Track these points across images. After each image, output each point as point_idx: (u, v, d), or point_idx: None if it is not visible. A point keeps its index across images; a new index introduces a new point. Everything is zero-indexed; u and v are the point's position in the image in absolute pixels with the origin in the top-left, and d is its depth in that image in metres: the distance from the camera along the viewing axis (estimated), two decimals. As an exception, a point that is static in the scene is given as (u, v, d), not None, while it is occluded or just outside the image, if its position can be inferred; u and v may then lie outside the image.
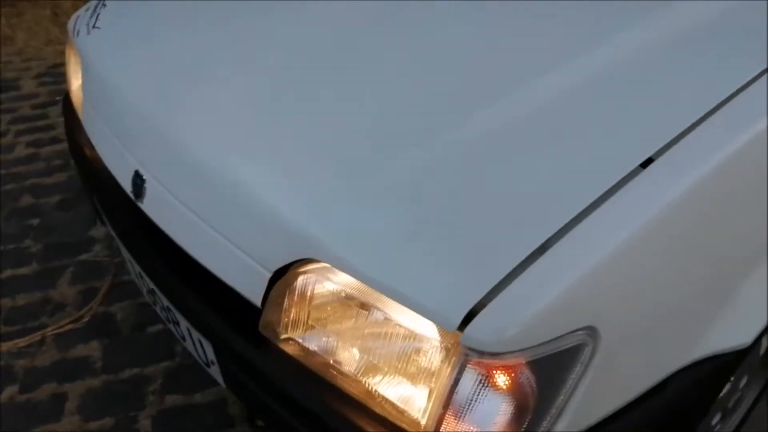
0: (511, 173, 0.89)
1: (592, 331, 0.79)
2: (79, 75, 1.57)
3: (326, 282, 0.92)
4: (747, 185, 0.93)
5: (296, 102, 1.11)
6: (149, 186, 1.19)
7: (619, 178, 0.84)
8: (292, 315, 0.97)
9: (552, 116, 0.94)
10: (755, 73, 0.96)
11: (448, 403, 0.82)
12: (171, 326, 1.28)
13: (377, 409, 0.90)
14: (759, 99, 0.93)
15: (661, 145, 0.88)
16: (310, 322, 0.96)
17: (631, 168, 0.86)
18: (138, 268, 1.29)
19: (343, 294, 0.90)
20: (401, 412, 0.88)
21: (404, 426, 0.88)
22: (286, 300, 0.97)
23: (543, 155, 0.90)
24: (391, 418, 0.89)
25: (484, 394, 0.80)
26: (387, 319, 0.87)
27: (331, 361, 0.95)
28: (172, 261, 1.19)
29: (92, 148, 1.46)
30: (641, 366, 0.88)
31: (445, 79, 1.07)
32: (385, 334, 0.88)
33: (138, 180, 1.21)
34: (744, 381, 1.25)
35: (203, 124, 1.14)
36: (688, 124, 0.89)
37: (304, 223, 0.93)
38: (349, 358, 0.93)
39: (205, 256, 1.09)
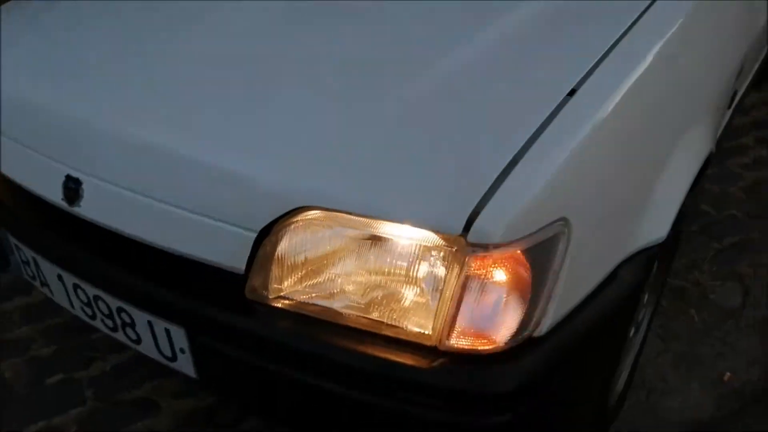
0: (473, 104, 1.03)
1: (565, 222, 0.93)
2: None
3: (320, 226, 0.96)
4: (653, 100, 1.14)
5: (235, 74, 1.16)
6: (87, 186, 1.14)
7: (557, 103, 1.01)
8: (284, 270, 1.00)
9: (494, 64, 1.10)
10: (644, 7, 1.19)
11: (458, 305, 0.91)
12: (120, 333, 1.21)
13: (387, 333, 0.95)
14: (653, 25, 1.15)
15: (580, 77, 1.06)
16: (304, 271, 0.99)
17: (561, 97, 1.03)
18: (74, 280, 1.21)
19: (340, 232, 0.95)
20: (411, 330, 0.95)
21: (416, 341, 0.94)
22: (276, 256, 0.99)
23: (495, 91, 1.05)
24: (402, 337, 0.94)
25: (489, 289, 0.90)
26: (388, 244, 0.93)
27: (333, 303, 0.98)
28: (118, 259, 1.15)
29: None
30: (599, 256, 1.04)
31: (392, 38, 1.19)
32: (387, 260, 0.94)
33: (71, 184, 1.16)
34: (646, 297, 1.47)
35: (141, 109, 1.14)
36: (597, 58, 1.09)
37: (292, 174, 0.97)
38: (351, 294, 0.97)
39: (170, 238, 1.07)
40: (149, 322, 1.13)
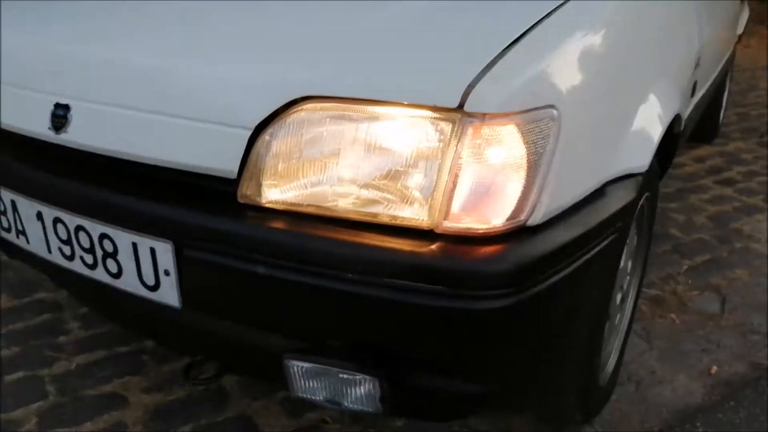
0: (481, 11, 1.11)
1: (555, 109, 0.96)
2: None
3: (317, 116, 0.97)
4: (634, 35, 1.24)
5: None
6: (75, 110, 1.15)
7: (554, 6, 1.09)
8: (279, 168, 0.99)
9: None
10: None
11: (455, 181, 0.91)
12: (99, 269, 1.15)
13: (385, 221, 0.94)
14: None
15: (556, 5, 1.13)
16: (300, 167, 0.99)
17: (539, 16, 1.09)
18: (54, 213, 1.17)
19: (338, 119, 0.96)
20: (408, 215, 0.94)
21: (414, 226, 0.93)
22: (270, 154, 0.99)
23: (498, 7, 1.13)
24: (400, 223, 0.94)
25: (485, 165, 0.91)
26: (386, 126, 0.94)
27: (330, 196, 0.97)
28: (102, 183, 1.13)
29: None
30: (586, 161, 1.06)
31: None
32: (385, 142, 0.95)
33: (59, 111, 1.16)
34: (635, 240, 1.48)
35: (125, 32, 1.20)
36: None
37: (284, 66, 1.00)
38: (348, 182, 0.97)
39: (158, 149, 1.07)
40: (134, 245, 1.09)
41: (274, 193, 1.01)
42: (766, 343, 1.89)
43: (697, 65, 1.70)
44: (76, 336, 1.84)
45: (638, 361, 1.79)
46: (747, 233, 2.58)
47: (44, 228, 1.21)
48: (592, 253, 1.05)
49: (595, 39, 1.13)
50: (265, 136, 0.99)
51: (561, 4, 1.12)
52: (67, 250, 1.20)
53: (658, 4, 1.40)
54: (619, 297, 1.47)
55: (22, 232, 1.27)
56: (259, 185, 1.01)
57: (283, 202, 1.00)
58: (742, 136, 3.81)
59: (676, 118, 1.47)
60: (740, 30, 3.33)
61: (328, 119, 0.97)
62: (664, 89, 1.34)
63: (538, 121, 0.94)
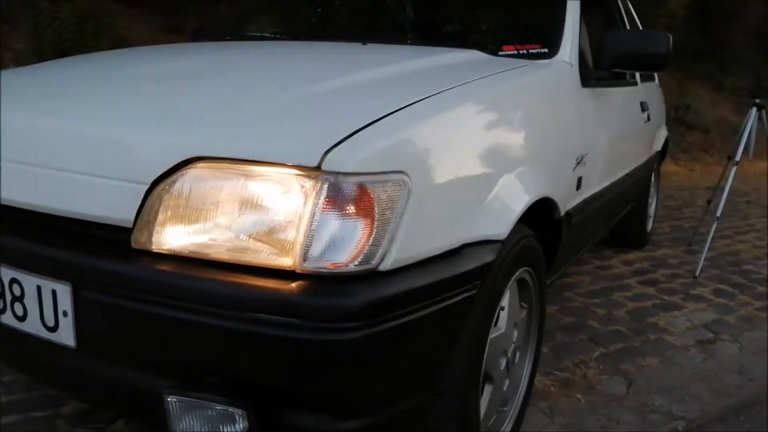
0: (343, 88, 1.37)
1: (406, 176, 1.14)
2: None
3: (201, 176, 1.13)
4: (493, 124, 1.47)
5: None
6: (5, 171, 1.30)
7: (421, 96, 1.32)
8: (167, 217, 1.14)
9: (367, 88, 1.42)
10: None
11: (312, 228, 1.06)
12: (8, 314, 1.26)
13: (254, 262, 1.08)
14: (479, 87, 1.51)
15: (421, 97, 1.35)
16: (185, 216, 1.14)
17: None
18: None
19: (219, 177, 1.12)
20: (274, 258, 1.08)
21: (279, 266, 1.08)
22: (161, 205, 1.14)
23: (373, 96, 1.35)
24: (268, 264, 1.08)
25: (339, 215, 1.07)
26: (258, 183, 1.11)
27: (209, 242, 1.12)
28: (18, 233, 1.27)
29: None
30: (440, 221, 1.23)
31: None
32: (257, 196, 1.11)
33: None
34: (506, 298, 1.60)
35: (56, 106, 1.39)
36: (440, 90, 1.39)
37: (175, 131, 1.19)
38: (224, 229, 1.11)
39: (63, 201, 1.22)
40: (38, 287, 1.21)
41: (163, 240, 1.15)
42: (665, 421, 1.99)
43: (580, 162, 1.93)
44: (-6, 402, 1.88)
45: (539, 436, 1.87)
46: (663, 327, 2.73)
47: (-38, 276, 1.33)
48: (445, 303, 1.19)
49: (459, 122, 1.33)
50: (158, 190, 1.15)
51: (434, 93, 1.33)
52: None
53: (523, 108, 1.64)
54: (503, 362, 1.59)
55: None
56: (150, 232, 1.15)
57: (170, 248, 1.15)
58: (671, 244, 4.05)
59: (550, 203, 1.66)
60: (657, 147, 3.65)
61: (211, 177, 1.13)
62: (529, 172, 1.53)
63: (387, 183, 1.11)
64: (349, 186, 1.07)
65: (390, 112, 1.22)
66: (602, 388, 2.17)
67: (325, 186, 1.07)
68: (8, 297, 1.26)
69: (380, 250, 1.10)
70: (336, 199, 1.07)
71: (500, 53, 1.95)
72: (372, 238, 1.09)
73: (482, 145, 1.40)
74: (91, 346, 1.20)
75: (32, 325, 1.24)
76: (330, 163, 1.06)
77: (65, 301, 1.19)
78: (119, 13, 5.80)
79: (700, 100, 8.95)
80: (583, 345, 2.48)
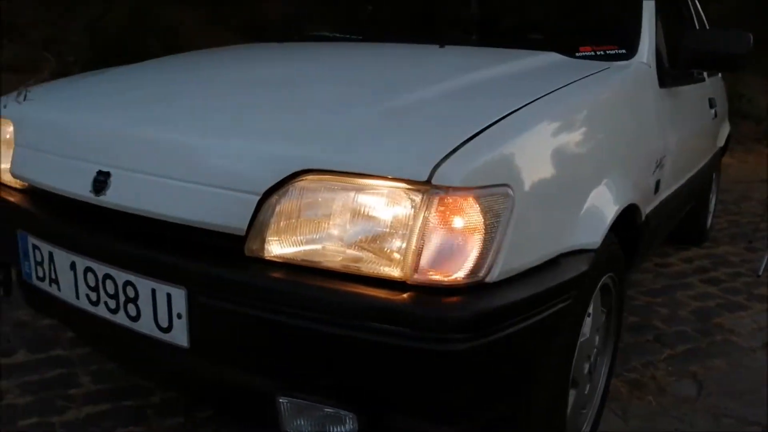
0: (447, 98, 1.38)
1: (510, 189, 1.16)
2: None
3: (312, 185, 1.18)
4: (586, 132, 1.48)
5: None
6: (115, 177, 1.37)
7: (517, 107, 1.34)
8: (280, 226, 1.19)
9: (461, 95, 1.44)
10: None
11: (423, 242, 1.10)
12: (120, 314, 1.33)
13: (366, 272, 1.13)
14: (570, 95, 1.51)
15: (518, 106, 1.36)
16: (297, 226, 1.18)
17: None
18: (86, 263, 1.36)
19: (330, 189, 1.17)
20: (385, 269, 1.12)
21: (389, 277, 1.12)
22: (274, 215, 1.19)
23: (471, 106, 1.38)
24: (378, 275, 1.12)
25: (449, 229, 1.10)
26: (369, 196, 1.14)
27: (321, 251, 1.16)
28: (131, 238, 1.33)
29: (16, 195, 1.61)
30: (540, 232, 1.25)
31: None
32: (368, 209, 1.14)
33: (101, 177, 1.38)
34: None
35: (164, 115, 1.46)
36: (534, 99, 1.41)
37: (288, 143, 1.23)
38: (337, 240, 1.16)
39: (180, 210, 1.27)
40: (153, 291, 1.27)
41: (275, 248, 1.20)
42: (739, 426, 1.98)
43: (658, 165, 1.92)
44: (86, 389, 1.98)
45: (613, 438, 1.89)
46: (728, 327, 2.70)
47: (75, 276, 1.40)
48: (545, 314, 1.21)
49: (553, 133, 1.35)
50: (271, 201, 1.20)
51: (521, 107, 1.35)
52: (93, 296, 1.38)
53: (611, 114, 1.64)
54: (586, 367, 1.61)
55: (54, 281, 1.46)
56: (262, 241, 1.20)
57: (282, 256, 1.19)
58: (731, 241, 3.97)
59: (633, 209, 1.67)
60: (720, 143, 3.58)
61: (322, 189, 1.18)
62: (617, 181, 1.54)
63: (493, 196, 1.13)
64: (458, 200, 1.10)
65: (490, 123, 1.24)
66: (672, 390, 2.17)
67: (435, 200, 1.10)
68: (122, 298, 1.33)
69: (487, 262, 1.12)
70: (445, 213, 1.10)
71: (577, 54, 1.94)
72: (480, 250, 1.11)
73: (576, 153, 1.42)
74: (204, 347, 1.26)
75: (145, 326, 1.31)
76: (439, 178, 1.09)
77: (180, 304, 1.25)
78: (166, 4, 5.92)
79: (753, 88, 8.69)
80: (650, 346, 2.48)
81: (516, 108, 1.34)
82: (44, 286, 1.50)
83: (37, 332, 2.27)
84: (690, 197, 2.90)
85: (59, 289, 1.46)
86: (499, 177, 1.16)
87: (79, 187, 1.41)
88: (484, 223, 1.12)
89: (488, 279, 1.13)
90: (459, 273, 1.10)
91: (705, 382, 2.23)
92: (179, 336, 1.27)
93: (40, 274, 1.50)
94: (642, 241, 1.86)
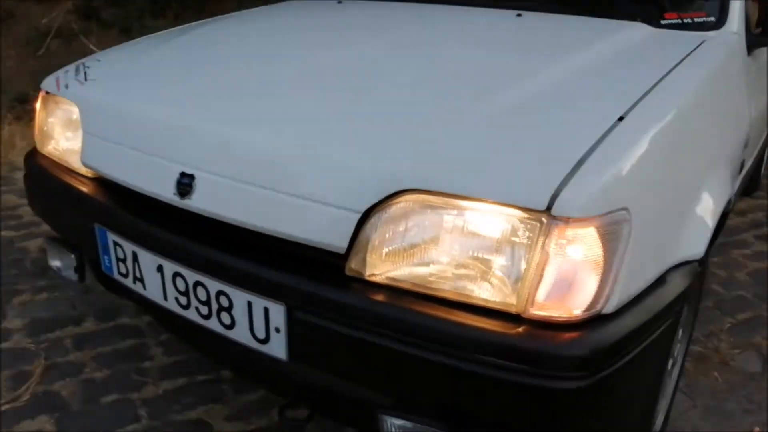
0: (552, 111, 1.26)
1: (627, 212, 1.10)
2: (62, 126, 1.68)
3: (418, 206, 1.12)
4: (691, 134, 1.38)
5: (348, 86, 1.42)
6: (200, 181, 1.31)
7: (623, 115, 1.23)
8: (383, 247, 1.14)
9: (562, 96, 1.34)
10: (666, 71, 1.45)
11: (541, 275, 1.05)
12: (212, 320, 1.32)
13: (476, 302, 1.09)
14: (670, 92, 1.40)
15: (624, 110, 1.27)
16: (401, 248, 1.14)
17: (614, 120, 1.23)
18: (175, 268, 1.34)
19: (436, 211, 1.11)
20: (497, 299, 1.08)
21: (502, 309, 1.08)
22: (376, 235, 1.14)
23: (570, 106, 1.29)
24: (490, 306, 1.08)
25: (568, 261, 1.05)
26: (479, 221, 1.09)
27: (427, 276, 1.12)
28: (222, 246, 1.30)
29: (90, 186, 1.56)
30: (652, 253, 1.19)
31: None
32: (478, 235, 1.09)
33: (184, 179, 1.33)
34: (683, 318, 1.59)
35: (255, 114, 1.36)
36: (632, 102, 1.30)
37: (392, 160, 1.15)
38: (443, 267, 1.12)
39: (278, 223, 1.22)
40: (249, 303, 1.25)
41: (378, 269, 1.16)
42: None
43: (745, 145, 1.82)
44: (159, 362, 2.02)
45: (683, 419, 1.89)
46: (788, 293, 2.66)
47: (163, 279, 1.38)
48: (654, 336, 1.18)
49: (661, 142, 1.26)
50: (373, 219, 1.14)
51: (631, 107, 1.26)
52: (183, 300, 1.37)
53: (716, 100, 1.53)
54: (670, 364, 1.59)
55: (139, 280, 1.45)
56: (364, 261, 1.16)
57: (386, 278, 1.16)
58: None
59: (727, 201, 1.59)
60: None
61: (429, 210, 1.12)
62: (719, 178, 1.46)
63: (613, 224, 1.07)
64: (578, 231, 1.04)
65: (603, 133, 1.16)
66: (736, 365, 2.17)
67: (555, 231, 1.04)
68: (214, 306, 1.31)
69: (605, 294, 1.08)
70: (565, 244, 1.05)
71: (663, 22, 1.81)
72: (598, 283, 1.07)
73: (689, 154, 1.34)
74: (303, 360, 1.25)
75: (240, 335, 1.30)
76: (559, 208, 1.03)
77: (278, 319, 1.23)
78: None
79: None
80: (710, 313, 2.45)
81: (626, 109, 1.25)
82: (128, 282, 1.49)
83: (101, 298, 2.30)
84: (758, 159, 2.78)
85: (144, 288, 1.44)
86: (618, 200, 1.09)
87: (162, 188, 1.37)
88: (604, 254, 1.06)
89: (605, 311, 1.09)
90: (577, 308, 1.06)
91: (769, 356, 2.22)
92: (277, 348, 1.25)
93: (123, 271, 1.49)
94: (723, 225, 1.79)
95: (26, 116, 4.39)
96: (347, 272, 1.18)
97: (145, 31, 5.49)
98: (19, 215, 3.03)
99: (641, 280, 1.17)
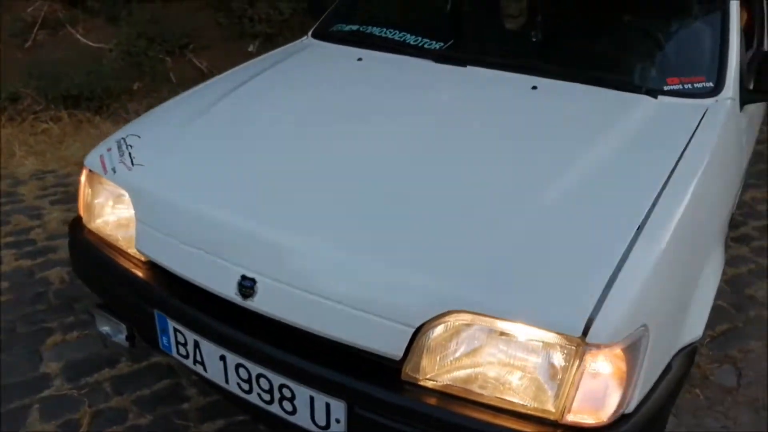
0: (572, 231, 1.39)
1: (646, 327, 1.28)
2: (110, 207, 1.78)
3: (465, 325, 1.29)
4: (694, 225, 1.54)
5: (388, 193, 1.53)
6: (262, 285, 1.45)
7: (632, 235, 1.38)
8: (434, 357, 1.32)
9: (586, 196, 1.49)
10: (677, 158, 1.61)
11: (576, 389, 1.24)
12: (275, 405, 1.48)
13: (517, 410, 1.27)
14: (685, 177, 1.56)
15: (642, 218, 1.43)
16: (450, 359, 1.31)
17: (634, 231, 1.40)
18: (238, 360, 1.49)
19: (482, 330, 1.28)
20: (537, 407, 1.27)
21: (541, 416, 1.26)
22: (428, 347, 1.31)
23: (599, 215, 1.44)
24: (531, 413, 1.26)
25: (598, 377, 1.24)
26: (521, 342, 1.27)
27: (473, 385, 1.30)
28: (283, 344, 1.45)
29: (145, 270, 1.67)
30: (662, 351, 1.39)
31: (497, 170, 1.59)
32: (519, 354, 1.27)
33: (246, 282, 1.46)
34: None
35: (309, 220, 1.47)
36: (651, 203, 1.47)
37: (442, 284, 1.31)
38: (488, 378, 1.30)
39: (339, 330, 1.38)
40: (311, 398, 1.41)
41: (430, 376, 1.33)
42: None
43: (736, 198, 2.01)
44: (197, 403, 2.17)
45: (671, 439, 2.15)
46: (760, 300, 2.91)
47: (225, 367, 1.53)
48: (664, 413, 1.38)
49: (675, 247, 1.42)
50: (426, 332, 1.31)
51: (650, 210, 1.42)
52: (245, 386, 1.52)
53: (721, 171, 1.69)
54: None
55: (200, 363, 1.59)
56: (418, 368, 1.33)
57: (438, 384, 1.33)
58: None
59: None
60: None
61: (474, 328, 1.29)
62: (718, 250, 1.65)
63: (636, 341, 1.26)
64: (608, 354, 1.23)
65: (623, 254, 1.32)
66: (715, 380, 2.42)
67: (588, 355, 1.22)
68: (276, 395, 1.47)
69: (628, 398, 1.27)
70: (596, 365, 1.23)
71: (666, 88, 1.96)
72: (623, 391, 1.26)
73: (692, 249, 1.50)
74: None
75: (301, 420, 1.47)
76: (593, 335, 1.21)
77: (339, 412, 1.40)
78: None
79: None
80: (692, 327, 2.69)
81: (645, 213, 1.42)
82: (187, 362, 1.63)
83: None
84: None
85: (206, 371, 1.59)
86: (639, 319, 1.27)
87: (223, 287, 1.50)
88: (627, 369, 1.25)
89: (626, 411, 1.28)
90: (606, 414, 1.26)
91: (744, 370, 2.47)
92: (336, 433, 1.43)
93: (183, 353, 1.63)
94: None
95: (19, 117, 4.35)
96: (403, 377, 1.35)
97: (131, 19, 5.40)
98: (32, 240, 3.10)
99: (654, 376, 1.37)
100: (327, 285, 1.39)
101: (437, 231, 1.42)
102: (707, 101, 1.93)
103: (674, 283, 1.42)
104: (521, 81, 2.00)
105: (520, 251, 1.36)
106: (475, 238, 1.39)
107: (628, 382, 1.26)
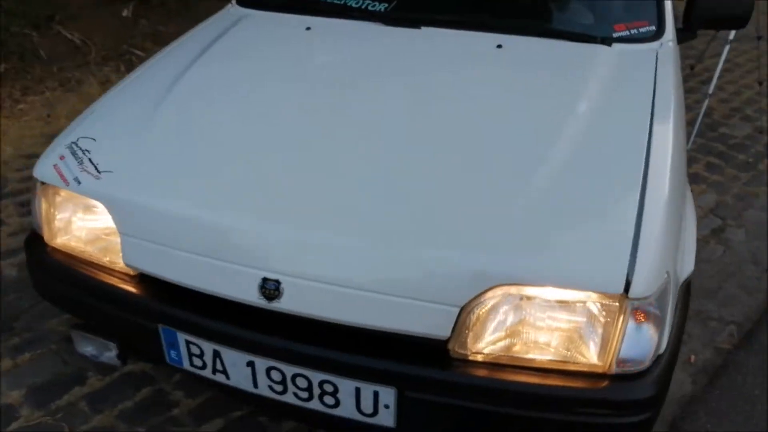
0: (585, 186, 1.45)
1: (668, 275, 1.37)
2: (79, 222, 1.62)
3: (510, 297, 1.32)
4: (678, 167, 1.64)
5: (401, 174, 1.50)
6: (288, 286, 1.38)
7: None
8: (481, 332, 1.34)
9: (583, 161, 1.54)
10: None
11: (620, 342, 1.31)
12: (314, 401, 1.44)
13: (567, 368, 1.34)
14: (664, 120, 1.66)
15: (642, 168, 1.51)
16: (498, 331, 1.35)
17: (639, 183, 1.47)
18: (269, 364, 1.43)
19: (527, 299, 1.31)
20: (586, 363, 1.33)
21: (590, 371, 1.33)
22: (474, 323, 1.33)
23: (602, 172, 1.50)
24: (581, 369, 1.33)
25: (638, 328, 1.32)
26: (567, 305, 1.32)
27: (523, 352, 1.34)
28: (316, 341, 1.41)
29: (137, 284, 1.55)
30: (674, 290, 1.49)
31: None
32: (567, 316, 1.33)
33: (269, 284, 1.39)
34: None
35: (330, 213, 1.41)
36: (644, 151, 1.55)
37: (484, 260, 1.32)
38: (538, 343, 1.34)
39: (380, 320, 1.36)
40: (357, 389, 1.39)
41: (478, 349, 1.36)
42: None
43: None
44: (187, 406, 2.07)
45: None
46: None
47: (254, 372, 1.47)
48: (679, 345, 1.51)
49: (670, 195, 1.50)
50: (471, 309, 1.33)
51: (644, 171, 1.50)
52: (278, 388, 1.47)
53: (681, 106, 1.82)
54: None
55: (222, 372, 1.51)
56: (465, 344, 1.35)
57: (487, 356, 1.36)
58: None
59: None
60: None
61: (517, 298, 1.32)
62: (688, 189, 1.79)
63: (665, 288, 1.35)
64: (646, 305, 1.31)
65: (638, 207, 1.40)
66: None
67: (629, 308, 1.30)
68: (316, 392, 1.44)
69: (663, 342, 1.38)
70: (636, 316, 1.31)
71: (614, 35, 2.04)
72: (659, 336, 1.36)
73: (678, 191, 1.60)
74: (411, 427, 1.44)
75: (345, 411, 1.45)
76: (633, 292, 1.28)
77: (388, 399, 1.39)
78: None
79: None
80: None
81: (643, 161, 1.51)
82: (204, 373, 1.54)
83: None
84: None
85: (228, 378, 1.52)
86: (664, 269, 1.36)
87: (243, 293, 1.42)
88: (662, 314, 1.35)
89: (660, 352, 1.38)
90: (647, 360, 1.35)
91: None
92: (385, 419, 1.43)
93: (198, 364, 1.54)
94: None
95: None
96: (452, 354, 1.36)
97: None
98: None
99: (672, 314, 1.48)
100: (359, 276, 1.36)
101: (458, 208, 1.41)
102: (654, 44, 2.03)
103: (676, 225, 1.52)
104: (485, 40, 2.00)
105: (543, 218, 1.39)
106: (498, 211, 1.40)
107: (662, 326, 1.36)
